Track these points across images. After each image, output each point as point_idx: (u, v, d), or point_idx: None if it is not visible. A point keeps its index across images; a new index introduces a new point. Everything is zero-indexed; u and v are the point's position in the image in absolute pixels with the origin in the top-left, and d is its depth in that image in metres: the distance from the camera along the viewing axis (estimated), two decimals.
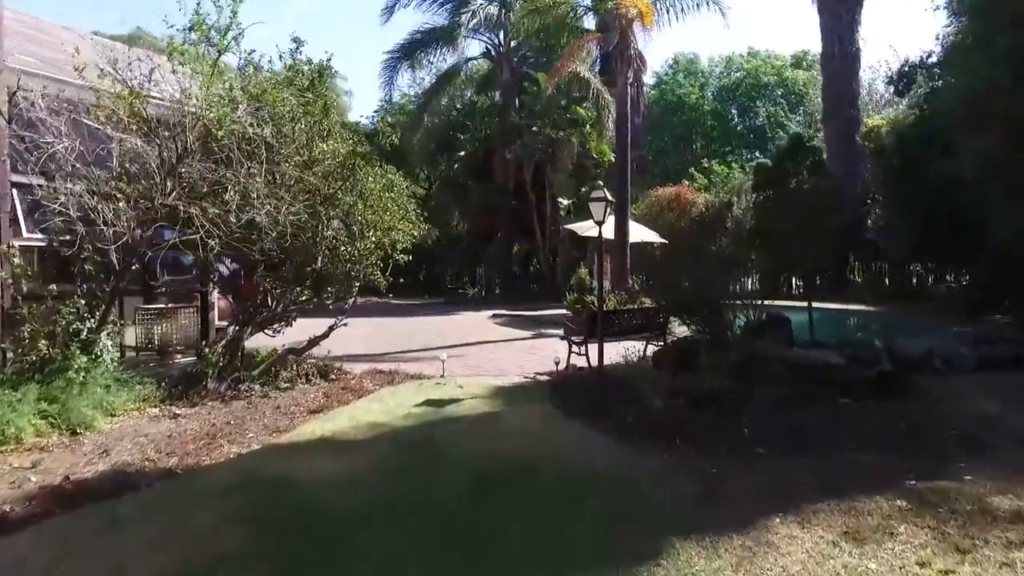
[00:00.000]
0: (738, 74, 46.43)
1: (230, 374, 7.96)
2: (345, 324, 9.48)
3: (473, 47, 25.99)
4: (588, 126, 23.07)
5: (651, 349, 9.97)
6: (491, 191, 24.23)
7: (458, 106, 25.31)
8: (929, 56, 17.43)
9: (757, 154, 42.43)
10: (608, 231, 19.30)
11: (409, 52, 25.31)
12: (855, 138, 26.27)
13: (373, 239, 9.20)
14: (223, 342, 8.32)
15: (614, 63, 28.05)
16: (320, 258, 8.69)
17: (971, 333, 10.47)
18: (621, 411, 6.75)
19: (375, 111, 41.01)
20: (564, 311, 15.30)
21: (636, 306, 9.72)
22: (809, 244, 10.76)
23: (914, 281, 22.43)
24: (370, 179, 9.21)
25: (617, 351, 9.69)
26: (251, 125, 7.41)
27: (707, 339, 8.51)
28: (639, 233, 19.24)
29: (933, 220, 15.28)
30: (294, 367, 8.80)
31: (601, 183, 24.62)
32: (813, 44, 45.01)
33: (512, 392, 8.23)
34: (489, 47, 25.53)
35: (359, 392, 8.08)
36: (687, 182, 29.47)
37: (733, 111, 46.73)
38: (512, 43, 24.67)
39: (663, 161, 43.47)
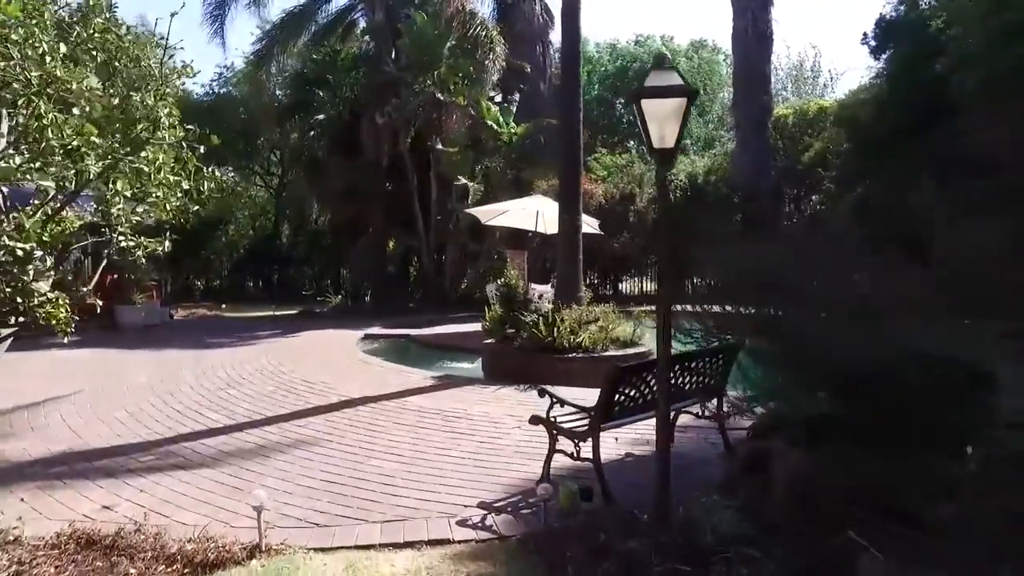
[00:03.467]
0: (622, 62, 43.36)
1: None
2: None
3: None
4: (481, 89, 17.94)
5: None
6: (359, 170, 18.41)
7: (315, 57, 19.15)
8: None
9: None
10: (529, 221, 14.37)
11: None
12: (767, 126, 23.53)
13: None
14: None
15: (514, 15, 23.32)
16: None
17: None
18: None
19: (213, 79, 33.61)
20: (477, 328, 10.14)
21: (704, 352, 4.68)
22: None
23: None
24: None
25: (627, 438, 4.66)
26: None
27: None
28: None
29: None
30: None
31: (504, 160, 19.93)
32: (717, 33, 43.77)
33: None
34: None
35: None
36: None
37: (620, 101, 43.66)
38: None
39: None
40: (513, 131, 18.50)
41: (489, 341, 9.32)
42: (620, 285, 24.05)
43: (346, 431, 5.98)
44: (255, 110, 22.78)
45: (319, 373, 8.77)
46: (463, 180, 17.34)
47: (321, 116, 19.00)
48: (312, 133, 19.49)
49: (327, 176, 19.08)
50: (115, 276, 15.77)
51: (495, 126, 17.55)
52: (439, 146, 17.40)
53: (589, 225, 12.86)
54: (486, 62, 16.80)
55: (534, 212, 13.50)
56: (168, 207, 4.61)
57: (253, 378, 8.54)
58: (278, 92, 22.43)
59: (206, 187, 5.00)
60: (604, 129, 43.59)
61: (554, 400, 4.65)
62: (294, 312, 18.61)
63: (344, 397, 7.31)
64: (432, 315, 17.07)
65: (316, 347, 11.43)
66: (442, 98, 17.22)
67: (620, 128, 43.50)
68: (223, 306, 20.28)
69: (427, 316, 16.85)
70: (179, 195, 4.63)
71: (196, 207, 5.09)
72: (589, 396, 4.66)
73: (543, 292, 10.75)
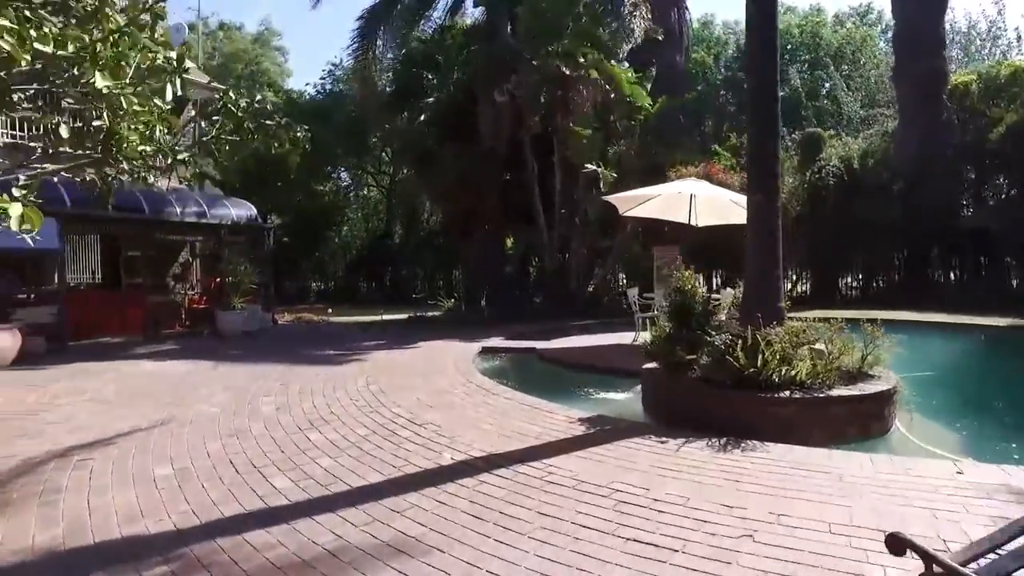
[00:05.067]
0: None
1: None
2: None
3: None
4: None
5: None
6: (472, 159, 16.48)
7: (421, 34, 17.40)
8: None
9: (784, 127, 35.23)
10: (710, 212, 11.56)
11: None
12: (940, 97, 19.54)
13: None
14: None
15: None
16: None
17: None
18: None
19: (322, 77, 33.26)
20: (617, 341, 7.68)
21: None
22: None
23: None
24: None
25: None
26: None
27: None
28: (716, 210, 11.65)
29: None
30: None
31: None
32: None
33: None
34: None
35: None
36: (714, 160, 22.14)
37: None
38: None
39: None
40: (650, 108, 15.88)
41: (651, 366, 6.86)
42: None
43: (466, 529, 3.74)
44: (362, 100, 21.48)
45: (427, 408, 6.66)
46: (591, 166, 14.92)
47: (431, 100, 17.20)
48: (422, 118, 17.73)
49: (438, 167, 17.27)
50: (218, 280, 14.70)
51: (634, 101, 14.95)
52: (568, 126, 15.04)
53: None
54: (630, 22, 14.21)
55: (687, 197, 10.89)
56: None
57: (344, 413, 6.55)
58: (386, 77, 20.97)
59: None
60: (732, 116, 39.85)
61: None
62: (403, 317, 16.95)
63: (461, 454, 5.11)
64: (556, 322, 14.84)
65: (425, 365, 9.42)
66: (568, 72, 14.89)
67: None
68: (329, 310, 19.02)
69: (551, 324, 14.64)
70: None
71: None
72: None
73: (720, 300, 8.14)
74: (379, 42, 18.08)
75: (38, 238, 2.76)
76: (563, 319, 15.84)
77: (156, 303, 13.53)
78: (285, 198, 29.97)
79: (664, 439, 5.33)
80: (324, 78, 31.46)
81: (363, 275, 29.74)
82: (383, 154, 31.25)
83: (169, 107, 2.74)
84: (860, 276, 22.21)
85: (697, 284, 6.78)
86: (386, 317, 17.37)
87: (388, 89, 19.71)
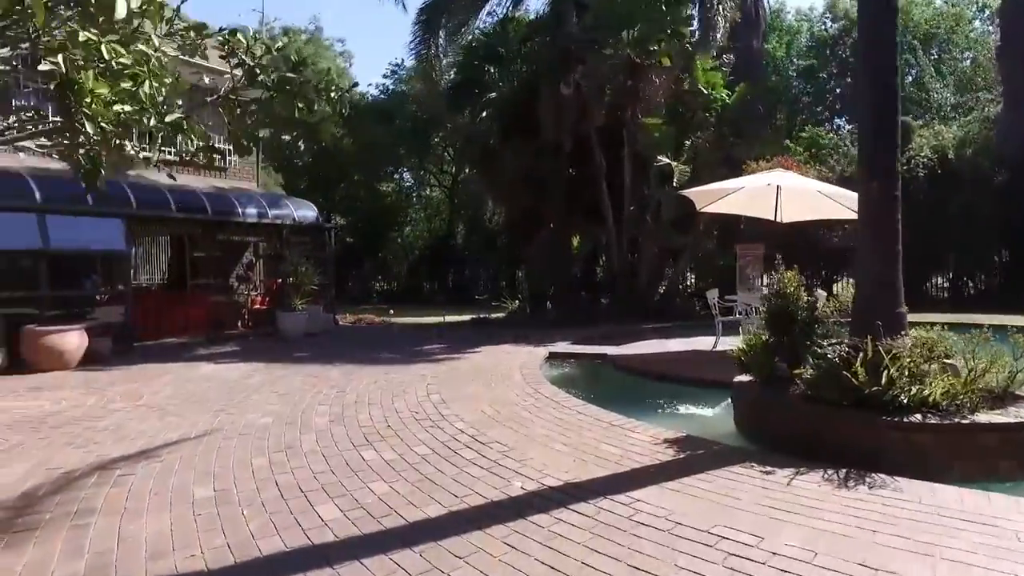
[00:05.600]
0: (841, 23, 36.88)
1: None
2: None
3: None
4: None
5: None
6: (536, 154, 15.82)
7: (483, 27, 16.84)
8: None
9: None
10: (797, 205, 10.50)
11: None
12: None
13: None
14: None
15: None
16: None
17: None
18: None
19: (385, 76, 33.33)
20: (696, 347, 6.85)
21: None
22: None
23: None
24: None
25: None
26: None
27: None
28: (804, 203, 10.62)
29: None
30: None
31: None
32: None
33: None
34: None
35: None
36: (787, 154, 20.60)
37: (832, 68, 37.25)
38: None
39: None
40: (726, 97, 14.85)
41: (744, 379, 6.04)
42: (833, 285, 19.32)
43: None
44: (424, 97, 21.15)
45: (493, 422, 6.04)
46: (664, 159, 14.02)
47: (493, 94, 16.63)
48: (484, 114, 17.18)
49: (500, 164, 16.68)
50: (279, 280, 14.55)
51: (710, 89, 13.97)
52: (639, 118, 14.20)
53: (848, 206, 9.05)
54: (715, 9, 13.24)
55: (773, 190, 9.94)
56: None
57: (402, 426, 6.00)
58: (448, 72, 20.57)
59: None
60: (806, 107, 37.88)
61: None
62: (466, 319, 16.46)
63: (533, 482, 4.45)
64: (626, 326, 14.04)
65: (490, 373, 8.81)
66: (639, 61, 14.03)
67: (824, 104, 37.60)
68: (391, 311, 18.72)
69: (620, 327, 13.85)
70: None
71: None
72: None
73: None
74: (441, 33, 17.61)
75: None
76: (632, 322, 15.01)
77: (219, 304, 13.46)
78: (348, 199, 30.18)
79: (769, 468, 4.53)
80: (387, 76, 31.46)
81: (425, 275, 29.58)
82: (445, 153, 31.02)
83: (159, 54, 2.18)
84: (950, 276, 20.35)
85: (802, 286, 5.88)
86: (448, 319, 16.92)
87: (449, 84, 19.30)
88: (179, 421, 6.36)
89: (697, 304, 16.71)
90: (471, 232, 30.00)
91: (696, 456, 4.90)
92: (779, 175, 10.50)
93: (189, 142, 2.79)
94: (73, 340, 9.91)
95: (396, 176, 32.66)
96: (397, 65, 31.24)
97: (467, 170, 30.19)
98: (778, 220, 10.73)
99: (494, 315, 16.59)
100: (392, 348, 11.58)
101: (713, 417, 6.65)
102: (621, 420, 5.94)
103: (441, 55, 18.93)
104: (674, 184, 13.89)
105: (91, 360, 10.15)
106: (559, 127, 14.97)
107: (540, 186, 16.19)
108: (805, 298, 5.74)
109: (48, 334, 9.73)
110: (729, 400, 6.33)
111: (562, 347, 11.24)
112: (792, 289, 5.70)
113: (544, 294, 16.82)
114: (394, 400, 7.10)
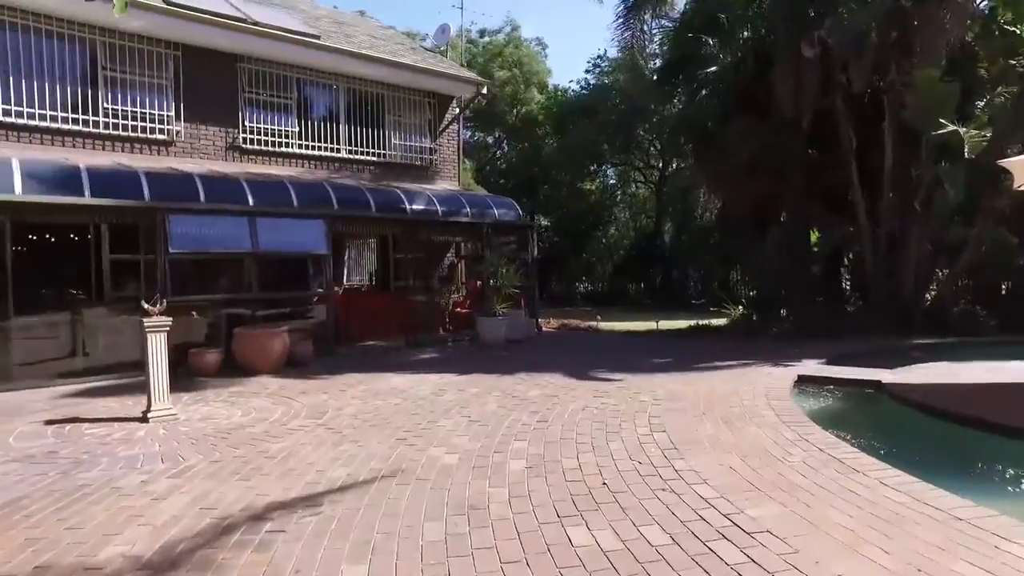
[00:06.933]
0: None
1: None
2: None
3: None
4: None
5: None
6: (766, 135, 13.35)
7: None
8: None
9: None
10: None
11: None
12: None
13: None
14: None
15: None
16: None
17: None
18: None
19: (587, 70, 32.16)
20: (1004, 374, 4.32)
21: None
22: None
23: None
24: None
25: None
26: None
27: None
28: None
29: None
30: None
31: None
32: None
33: None
34: None
35: None
36: None
37: None
38: None
39: None
40: None
41: None
42: None
43: None
44: (629, 85, 19.43)
45: (752, 489, 4.20)
46: (949, 126, 10.84)
47: (712, 69, 14.38)
48: (703, 93, 14.99)
49: (722, 149, 14.39)
50: (479, 283, 13.76)
51: (1009, 28, 10.59)
52: (909, 78, 11.19)
53: None
54: None
55: None
56: None
57: (622, 485, 4.38)
58: (656, 52, 18.61)
59: None
60: None
61: None
62: (682, 326, 14.46)
63: None
64: (885, 341, 11.24)
65: (728, 402, 6.87)
66: (907, 5, 11.03)
67: None
68: (598, 317, 17.23)
69: (877, 342, 11.11)
70: None
71: None
72: None
73: None
74: (646, 16, 15.72)
75: None
76: (892, 336, 12.03)
77: (420, 306, 12.94)
78: (550, 200, 29.44)
79: None
80: (589, 70, 30.19)
81: (631, 277, 27.81)
82: (651, 147, 29.02)
83: None
84: None
85: None
86: (662, 324, 15.02)
87: (660, 65, 17.34)
88: (354, 451, 5.36)
89: (985, 316, 13.07)
90: (680, 230, 27.66)
91: None
92: None
93: None
94: (277, 344, 9.73)
95: (600, 174, 31.36)
96: (599, 58, 29.87)
97: (674, 165, 27.91)
98: None
99: (714, 322, 14.38)
100: (601, 361, 10.05)
101: None
102: (968, 510, 3.77)
103: (646, 40, 17.06)
104: (965, 156, 10.64)
105: (294, 363, 9.94)
106: (799, 99, 12.39)
107: (771, 171, 13.68)
108: None
109: (255, 337, 9.63)
110: None
111: (812, 368, 8.89)
112: None
113: (775, 299, 14.20)
114: (608, 439, 5.52)
